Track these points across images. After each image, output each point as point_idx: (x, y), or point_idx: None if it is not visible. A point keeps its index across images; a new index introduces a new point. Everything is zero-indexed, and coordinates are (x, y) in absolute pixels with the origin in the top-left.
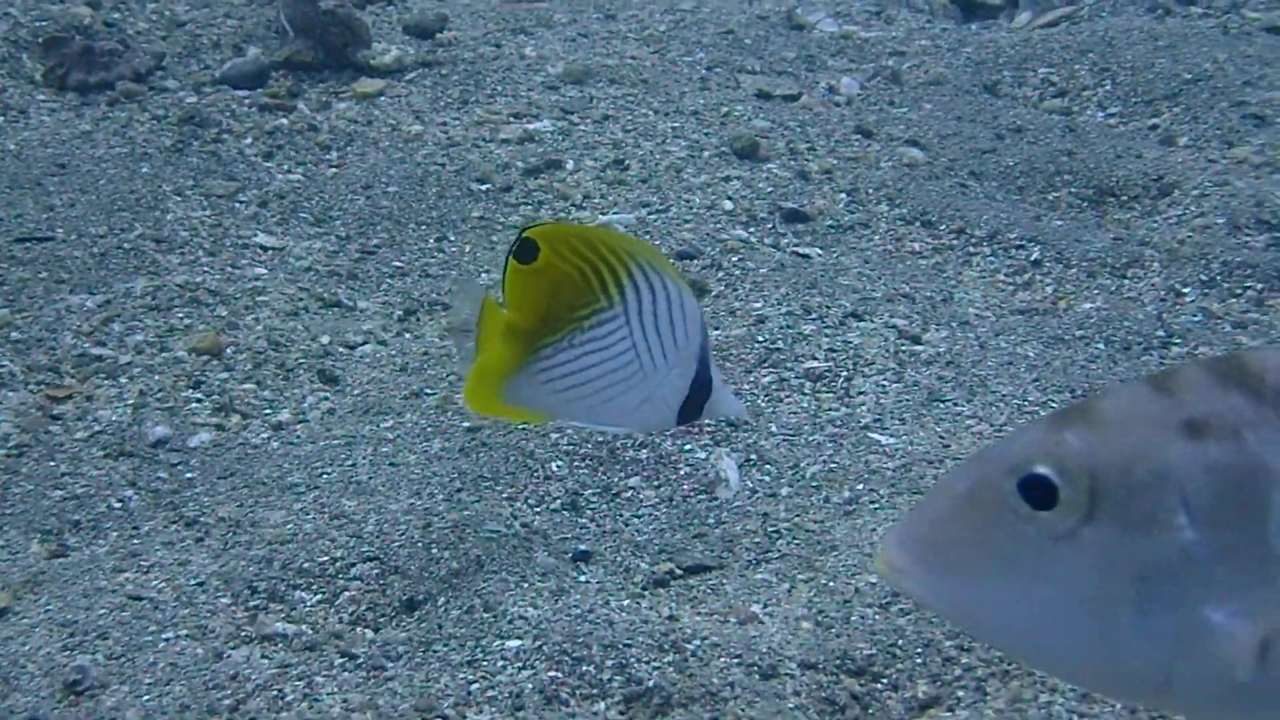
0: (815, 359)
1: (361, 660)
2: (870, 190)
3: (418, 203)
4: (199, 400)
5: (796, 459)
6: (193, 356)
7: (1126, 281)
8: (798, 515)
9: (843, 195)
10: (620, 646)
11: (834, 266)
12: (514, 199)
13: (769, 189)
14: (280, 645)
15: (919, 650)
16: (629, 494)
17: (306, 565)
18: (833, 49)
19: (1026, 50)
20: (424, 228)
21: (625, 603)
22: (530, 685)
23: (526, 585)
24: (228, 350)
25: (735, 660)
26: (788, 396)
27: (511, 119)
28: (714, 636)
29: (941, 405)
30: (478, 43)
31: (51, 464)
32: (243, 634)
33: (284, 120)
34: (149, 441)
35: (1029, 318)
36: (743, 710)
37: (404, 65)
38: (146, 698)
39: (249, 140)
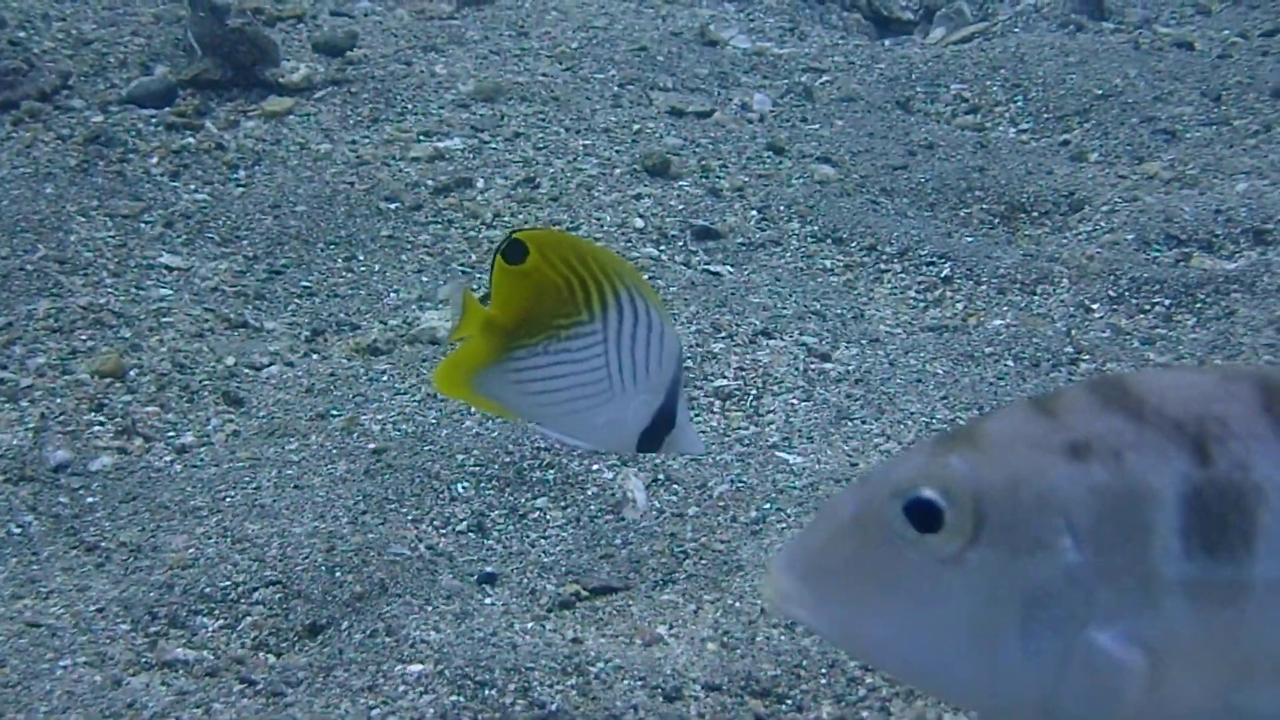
0: (724, 377)
1: (261, 686)
2: (782, 207)
3: (326, 222)
4: (101, 423)
5: (704, 478)
6: (95, 379)
7: (1036, 298)
8: (705, 535)
9: (754, 213)
10: (523, 670)
11: (744, 284)
12: (424, 218)
13: (680, 206)
14: (180, 672)
15: (823, 671)
16: (536, 515)
17: (208, 590)
18: (746, 65)
19: (939, 66)
20: (332, 247)
21: (530, 625)
22: (432, 710)
23: (430, 609)
24: (131, 372)
25: (639, 683)
26: (696, 416)
27: (422, 137)
28: (618, 659)
29: (850, 423)
30: (388, 60)
31: None
32: (142, 661)
33: (191, 139)
34: (50, 466)
35: (939, 334)
36: None
37: (313, 83)
38: None
39: (155, 160)
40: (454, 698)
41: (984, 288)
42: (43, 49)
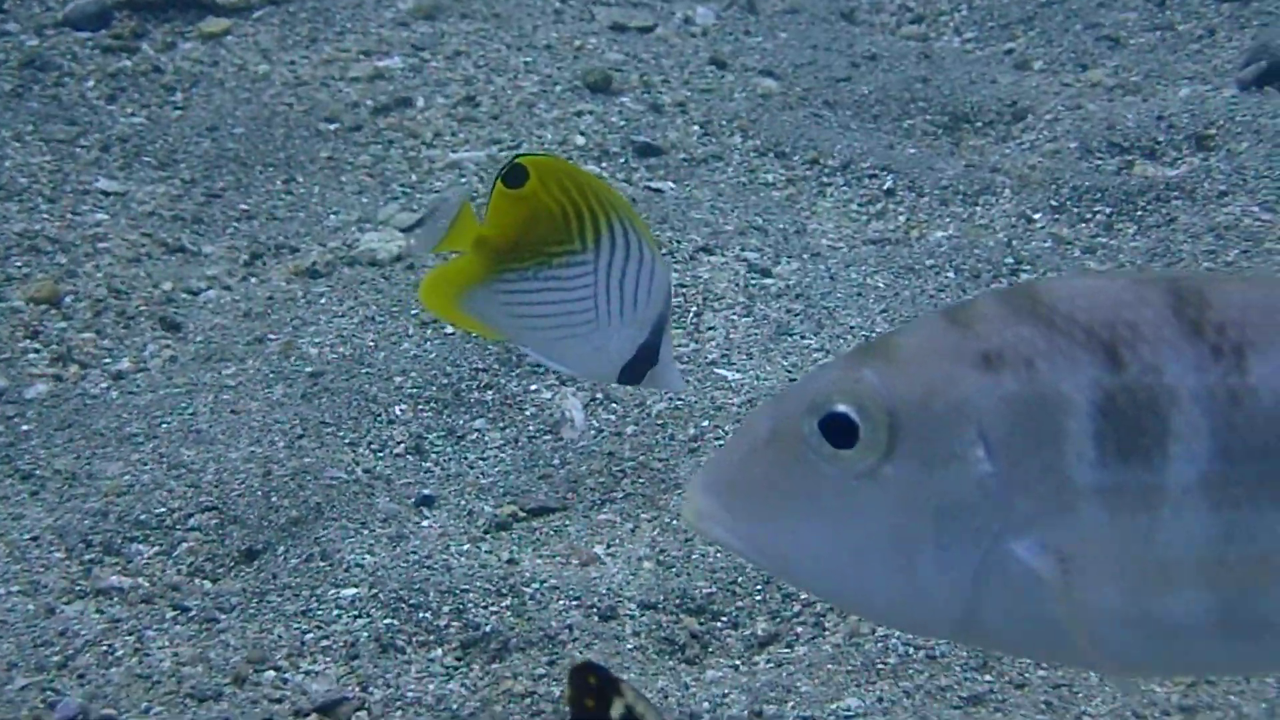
0: None
1: (194, 613)
2: (724, 122)
3: (265, 144)
4: (36, 351)
5: (642, 397)
6: (30, 306)
7: (978, 209)
8: (643, 454)
9: (696, 128)
10: (458, 592)
11: (686, 200)
12: (363, 138)
13: (622, 123)
14: (115, 599)
15: (759, 588)
16: (474, 436)
17: (143, 517)
18: None
19: None
20: (271, 169)
21: (466, 547)
22: (366, 634)
23: (366, 532)
24: (66, 299)
25: (574, 603)
26: None
27: (361, 56)
28: (553, 579)
29: (789, 339)
30: None
31: None
32: (77, 589)
33: (127, 62)
34: None
35: (881, 248)
36: (580, 652)
37: (251, 3)
38: None
39: (91, 83)
40: (388, 621)
41: (926, 199)
42: None
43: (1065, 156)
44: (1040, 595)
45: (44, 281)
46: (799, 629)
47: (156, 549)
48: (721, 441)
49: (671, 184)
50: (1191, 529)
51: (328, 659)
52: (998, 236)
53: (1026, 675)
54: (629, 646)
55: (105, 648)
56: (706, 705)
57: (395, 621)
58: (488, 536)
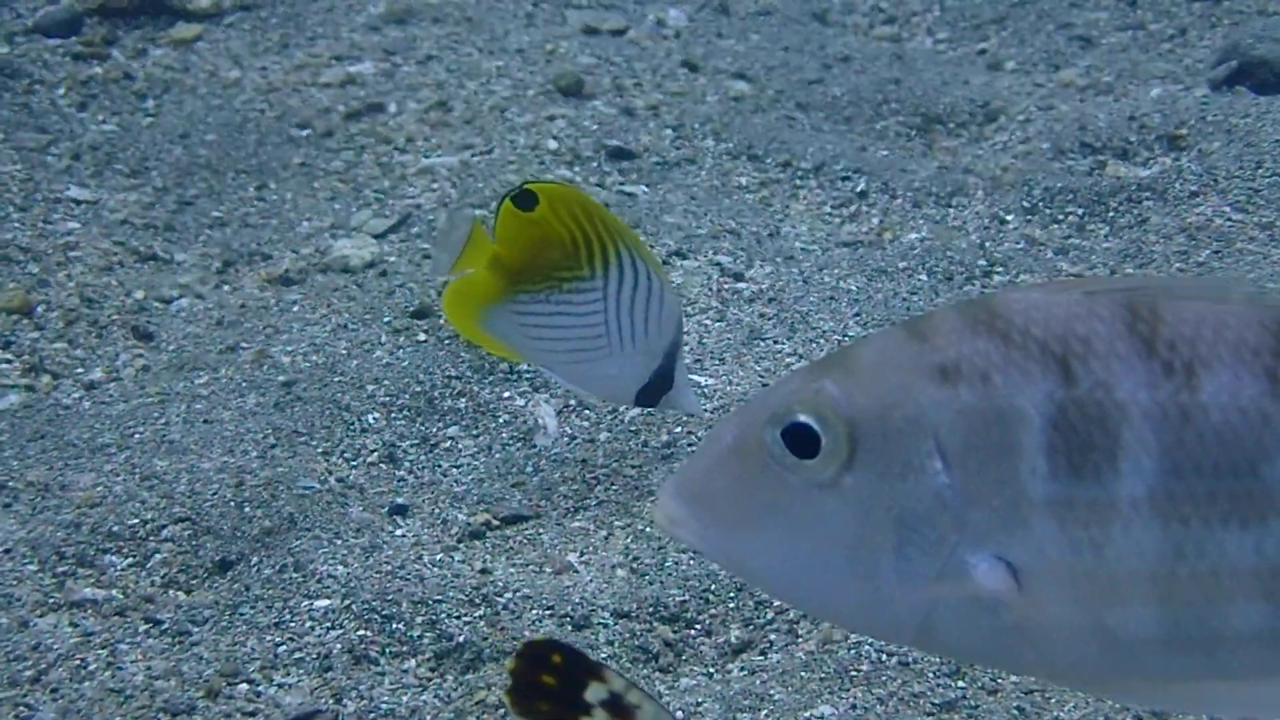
0: None
1: (167, 626)
2: (696, 125)
3: (237, 151)
4: (8, 361)
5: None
6: (1, 316)
7: (951, 210)
8: (616, 461)
9: (669, 131)
10: (431, 602)
11: (659, 204)
12: (335, 144)
13: (594, 127)
14: (89, 612)
15: (732, 595)
16: (448, 444)
17: (116, 529)
18: None
19: None
20: (243, 176)
21: (439, 556)
22: (339, 645)
23: (340, 542)
24: (38, 308)
25: (547, 612)
26: None
27: (333, 62)
28: (526, 588)
29: (762, 343)
30: None
31: None
32: (50, 601)
33: (98, 69)
34: None
35: (854, 250)
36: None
37: (222, 9)
38: None
39: (62, 91)
40: (361, 632)
41: (899, 201)
42: None
43: (1037, 157)
44: (995, 607)
45: (15, 291)
46: (772, 636)
47: (130, 560)
48: (694, 448)
49: (644, 188)
50: (1142, 544)
51: (301, 671)
52: (970, 238)
53: (999, 681)
54: (603, 655)
55: (78, 662)
56: (681, 714)
57: (368, 633)
58: (461, 545)
